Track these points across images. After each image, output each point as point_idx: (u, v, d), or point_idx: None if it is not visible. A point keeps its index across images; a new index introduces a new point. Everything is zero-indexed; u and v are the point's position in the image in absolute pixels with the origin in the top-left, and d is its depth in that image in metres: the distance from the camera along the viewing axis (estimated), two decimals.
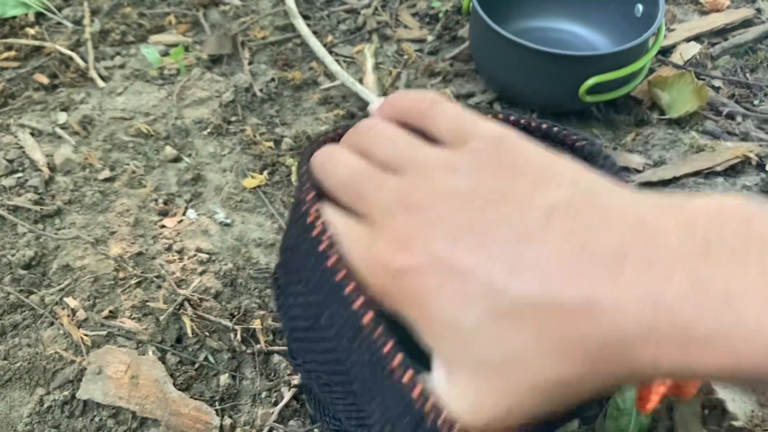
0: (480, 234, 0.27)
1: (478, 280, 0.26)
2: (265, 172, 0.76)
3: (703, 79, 0.90)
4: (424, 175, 0.31)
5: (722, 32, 0.99)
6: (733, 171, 0.80)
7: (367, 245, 0.30)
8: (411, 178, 0.31)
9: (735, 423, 0.54)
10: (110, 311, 0.62)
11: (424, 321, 0.27)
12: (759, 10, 1.02)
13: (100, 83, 0.83)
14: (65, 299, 0.63)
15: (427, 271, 0.27)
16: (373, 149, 0.34)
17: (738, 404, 0.52)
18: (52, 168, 0.73)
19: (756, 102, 0.89)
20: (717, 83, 0.91)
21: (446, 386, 0.27)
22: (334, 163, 0.35)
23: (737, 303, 0.22)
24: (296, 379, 0.63)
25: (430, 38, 0.95)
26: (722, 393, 0.53)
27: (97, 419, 0.59)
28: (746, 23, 1.00)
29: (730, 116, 0.87)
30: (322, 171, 0.36)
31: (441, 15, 0.98)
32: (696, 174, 0.78)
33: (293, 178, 0.76)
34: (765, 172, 0.79)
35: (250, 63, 0.89)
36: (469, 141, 0.31)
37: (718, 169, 0.78)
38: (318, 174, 0.36)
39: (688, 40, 0.97)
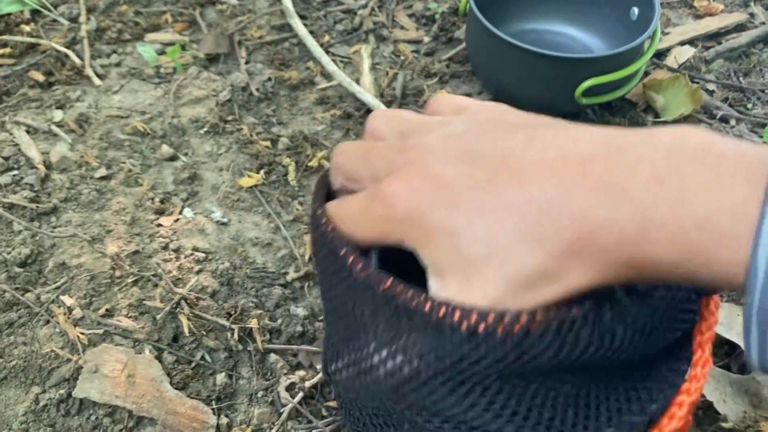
0: (468, 153, 0.30)
1: (465, 186, 0.29)
2: (262, 172, 0.76)
3: (698, 83, 0.91)
4: (422, 130, 0.33)
5: (716, 36, 0.99)
6: None
7: (368, 196, 0.33)
8: (410, 137, 0.34)
9: (725, 425, 0.54)
10: (107, 310, 0.62)
11: (419, 237, 0.30)
12: (752, 15, 1.03)
13: (97, 81, 0.83)
14: (61, 297, 0.63)
15: (419, 189, 0.30)
16: (372, 137, 0.37)
17: (729, 405, 0.52)
18: (48, 166, 0.73)
19: (749, 106, 0.90)
20: (711, 87, 0.92)
21: (441, 294, 0.29)
22: (344, 158, 0.37)
23: (691, 195, 0.24)
24: (293, 379, 0.63)
25: (426, 39, 0.96)
26: (712, 395, 0.53)
27: (93, 418, 0.59)
28: (740, 27, 1.01)
29: (724, 119, 0.88)
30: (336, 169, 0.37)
31: (437, 16, 0.98)
32: None
33: (290, 177, 0.76)
34: None
35: (246, 62, 0.89)
36: (465, 109, 0.35)
37: None
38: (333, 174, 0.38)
39: (682, 43, 0.97)
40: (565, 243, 0.26)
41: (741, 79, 0.94)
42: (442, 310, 0.28)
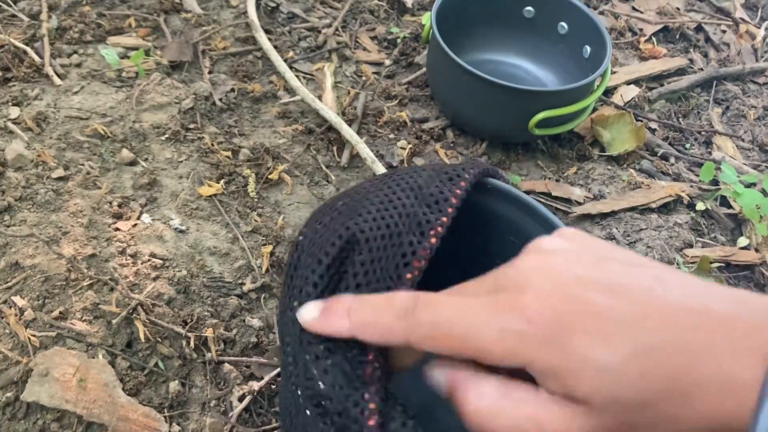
0: (607, 282, 0.28)
1: (615, 319, 0.27)
2: (222, 181, 0.77)
3: (641, 121, 0.96)
4: (525, 256, 0.31)
5: (659, 78, 1.06)
6: (665, 209, 0.85)
7: (491, 303, 0.29)
8: (507, 267, 0.31)
9: None
10: (60, 312, 0.61)
11: (559, 363, 0.27)
12: (692, 61, 1.10)
13: (57, 80, 0.81)
14: (13, 298, 0.62)
15: (563, 308, 0.27)
16: None
17: None
18: (3, 163, 0.72)
19: (687, 146, 0.96)
20: (653, 125, 0.98)
21: (569, 420, 0.27)
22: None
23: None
24: (245, 389, 0.64)
25: (387, 62, 0.98)
26: None
27: (40, 422, 0.58)
28: (680, 71, 1.07)
29: (664, 157, 0.93)
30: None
31: (399, 41, 1.01)
32: (632, 209, 0.83)
33: (250, 188, 0.77)
34: (695, 211, 0.85)
35: (210, 72, 0.89)
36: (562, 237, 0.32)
37: (653, 206, 0.84)
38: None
39: (628, 83, 1.03)
40: (714, 400, 0.26)
41: (680, 120, 1.00)
42: None
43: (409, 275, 0.33)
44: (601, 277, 0.28)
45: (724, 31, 1.16)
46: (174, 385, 0.62)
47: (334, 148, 0.84)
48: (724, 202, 0.88)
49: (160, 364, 0.62)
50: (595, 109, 0.96)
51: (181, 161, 0.78)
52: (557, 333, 0.27)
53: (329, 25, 1.00)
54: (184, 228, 0.72)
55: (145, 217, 0.71)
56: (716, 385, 0.26)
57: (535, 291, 0.28)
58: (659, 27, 1.14)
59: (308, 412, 0.31)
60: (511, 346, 0.27)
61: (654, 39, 1.12)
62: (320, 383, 0.29)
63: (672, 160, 0.93)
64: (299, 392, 0.32)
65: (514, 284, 0.29)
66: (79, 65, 0.85)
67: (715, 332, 0.26)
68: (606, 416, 0.27)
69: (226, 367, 0.65)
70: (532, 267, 0.29)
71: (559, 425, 0.27)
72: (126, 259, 0.67)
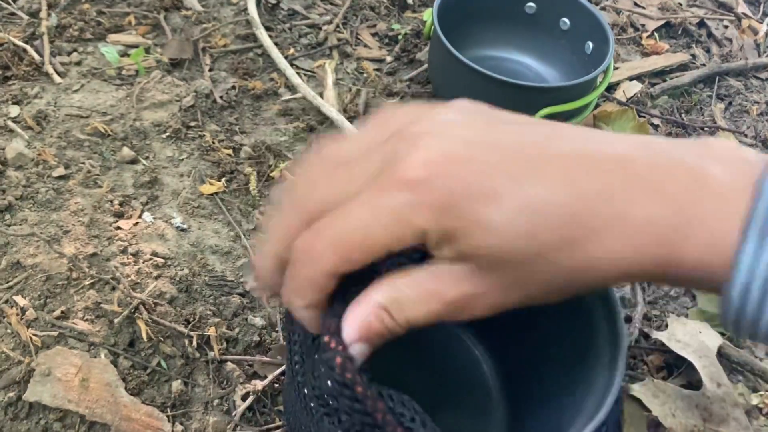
0: (486, 139, 0.27)
1: (501, 173, 0.27)
2: (223, 180, 0.77)
3: (644, 117, 0.96)
4: (409, 123, 0.29)
5: (661, 73, 1.05)
6: None
7: (369, 191, 0.28)
8: (399, 131, 0.29)
9: None
10: (62, 312, 0.61)
11: (451, 224, 0.27)
12: (694, 56, 1.09)
13: (57, 79, 0.81)
14: (14, 297, 0.61)
15: (447, 171, 0.26)
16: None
17: (678, 419, 0.55)
18: (3, 162, 0.71)
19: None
20: (656, 121, 0.97)
21: (458, 285, 0.28)
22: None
23: (727, 196, 0.25)
24: (248, 388, 0.63)
25: (389, 59, 0.98)
26: (660, 410, 0.56)
27: (42, 422, 0.57)
28: (683, 67, 1.07)
29: None
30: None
31: (400, 37, 1.00)
32: None
33: (252, 186, 0.76)
34: None
35: (210, 69, 0.89)
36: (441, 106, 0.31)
37: None
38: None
39: (630, 78, 1.03)
40: (607, 243, 0.26)
41: (683, 116, 0.99)
42: None
43: None
44: (490, 138, 0.27)
45: (726, 27, 1.16)
46: (176, 385, 0.61)
47: None
48: None
49: (163, 364, 0.62)
50: (597, 105, 0.95)
51: (182, 159, 0.77)
52: (446, 196, 0.26)
53: (330, 22, 1.00)
54: (185, 226, 0.71)
55: (147, 216, 0.71)
56: (617, 227, 0.26)
57: (419, 157, 0.27)
58: (661, 23, 1.13)
59: (314, 410, 0.31)
60: (404, 224, 0.27)
61: (656, 35, 1.12)
62: (328, 382, 0.29)
63: None
64: (305, 390, 0.32)
65: (395, 157, 0.27)
66: (79, 63, 0.85)
67: (611, 174, 0.26)
68: (499, 273, 0.27)
69: (229, 365, 0.64)
70: (416, 133, 0.28)
71: (456, 290, 0.27)
72: (127, 258, 0.66)
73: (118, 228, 0.69)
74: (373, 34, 1.01)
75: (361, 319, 0.28)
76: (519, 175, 0.26)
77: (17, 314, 0.60)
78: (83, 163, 0.73)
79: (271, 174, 0.78)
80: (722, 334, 0.67)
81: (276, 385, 0.64)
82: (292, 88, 0.88)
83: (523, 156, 0.27)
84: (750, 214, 0.25)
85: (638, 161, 0.27)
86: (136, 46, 0.87)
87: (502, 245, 0.26)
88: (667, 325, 0.68)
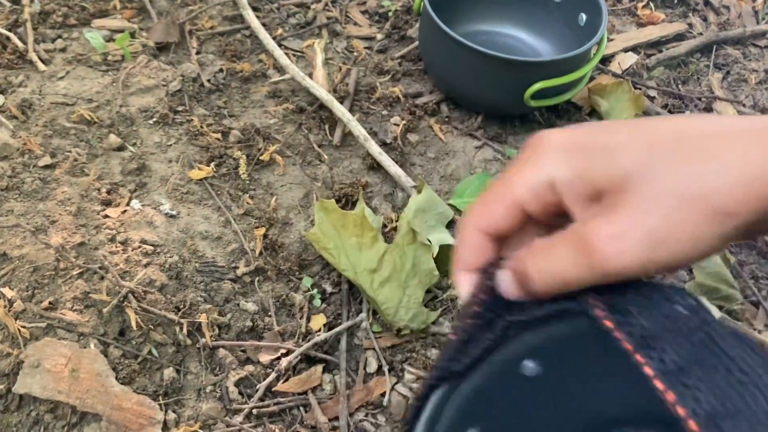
0: (615, 125, 0.28)
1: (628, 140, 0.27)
2: (212, 164, 0.76)
3: (640, 89, 0.94)
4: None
5: (657, 44, 1.03)
6: None
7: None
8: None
9: None
10: (50, 302, 0.61)
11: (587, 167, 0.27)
12: (690, 25, 1.07)
13: (41, 66, 0.80)
14: (1, 289, 0.61)
15: (581, 139, 0.28)
16: None
17: None
18: None
19: (687, 113, 0.94)
20: (652, 93, 0.96)
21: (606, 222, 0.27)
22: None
23: None
24: (242, 374, 0.63)
25: (379, 36, 0.96)
26: None
27: (33, 414, 0.57)
28: (679, 37, 1.05)
29: None
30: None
31: (390, 14, 0.98)
32: None
33: (241, 170, 0.75)
34: None
35: (197, 53, 0.87)
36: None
37: None
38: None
39: (626, 50, 1.01)
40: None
41: (680, 86, 0.98)
42: None
43: None
44: (610, 127, 0.29)
45: None
46: (168, 372, 0.61)
47: (326, 127, 0.82)
48: None
49: (154, 352, 0.61)
50: (592, 78, 0.94)
51: (170, 145, 0.76)
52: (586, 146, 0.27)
53: (318, 0, 0.98)
54: (174, 213, 0.71)
55: (135, 203, 0.70)
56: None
57: (552, 141, 0.28)
58: None
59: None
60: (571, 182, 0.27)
61: (652, 4, 1.10)
62: None
63: None
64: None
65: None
66: (63, 50, 0.84)
67: (735, 135, 0.26)
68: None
69: (221, 352, 0.64)
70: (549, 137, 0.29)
71: (600, 231, 0.26)
72: (116, 247, 0.66)
73: (106, 216, 0.68)
74: (363, 12, 1.00)
75: None
76: (640, 143, 0.27)
77: (5, 306, 0.60)
78: (69, 151, 0.72)
79: (261, 157, 0.77)
80: (720, 308, 0.67)
81: (269, 370, 0.63)
82: (280, 69, 0.87)
83: (642, 130, 0.27)
84: None
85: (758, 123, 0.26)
86: (121, 31, 0.86)
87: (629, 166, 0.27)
88: None
